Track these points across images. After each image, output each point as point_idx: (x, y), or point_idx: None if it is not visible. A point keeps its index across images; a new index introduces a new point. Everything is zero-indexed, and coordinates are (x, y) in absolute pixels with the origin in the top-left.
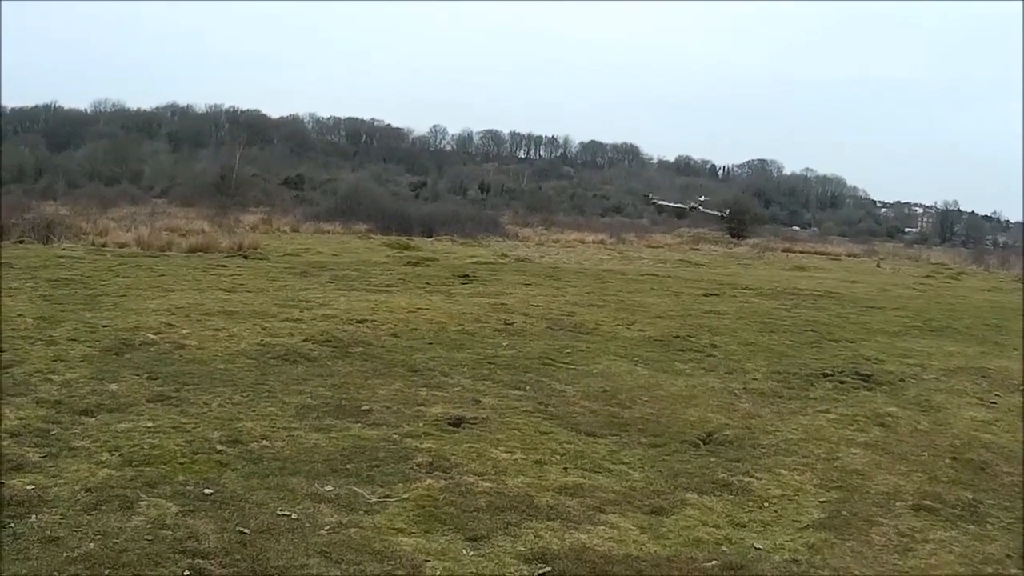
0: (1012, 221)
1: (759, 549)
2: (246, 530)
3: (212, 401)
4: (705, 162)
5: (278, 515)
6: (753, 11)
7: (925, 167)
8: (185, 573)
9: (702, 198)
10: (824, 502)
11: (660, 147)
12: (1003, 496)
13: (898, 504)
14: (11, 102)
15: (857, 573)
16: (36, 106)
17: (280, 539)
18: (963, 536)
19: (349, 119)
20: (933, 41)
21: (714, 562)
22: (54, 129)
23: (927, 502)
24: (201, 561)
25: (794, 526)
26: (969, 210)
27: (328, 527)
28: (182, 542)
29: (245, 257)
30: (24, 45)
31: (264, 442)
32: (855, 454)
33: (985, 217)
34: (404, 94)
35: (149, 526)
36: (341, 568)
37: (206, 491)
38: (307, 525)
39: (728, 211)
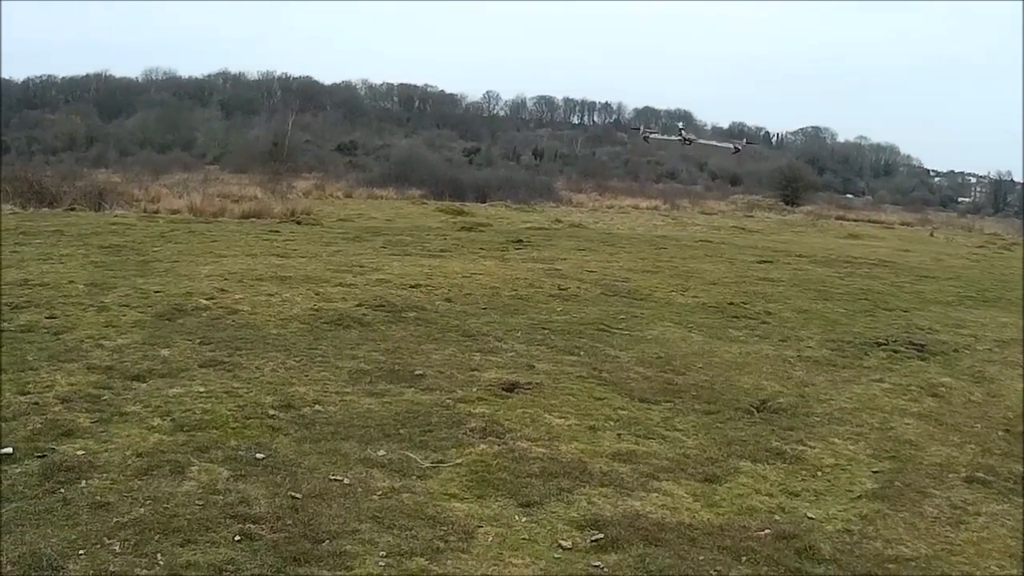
0: None
1: (811, 519)
2: (298, 495)
3: (264, 366)
4: (759, 129)
5: (330, 480)
6: None
7: (979, 136)
8: (236, 538)
9: (743, 143)
10: (877, 472)
11: (714, 114)
12: None
13: (951, 476)
14: (62, 71)
15: (909, 544)
16: (87, 75)
17: (332, 504)
18: (1015, 510)
19: (402, 85)
20: (986, 12)
21: (767, 531)
22: (105, 98)
23: (980, 474)
24: (252, 526)
25: (847, 496)
26: (1022, 181)
27: (380, 492)
28: (233, 507)
29: (298, 223)
30: (74, 15)
31: (316, 407)
32: (908, 424)
33: None
34: (458, 59)
35: (200, 491)
36: (393, 533)
37: (258, 456)
38: (359, 490)
39: (741, 144)
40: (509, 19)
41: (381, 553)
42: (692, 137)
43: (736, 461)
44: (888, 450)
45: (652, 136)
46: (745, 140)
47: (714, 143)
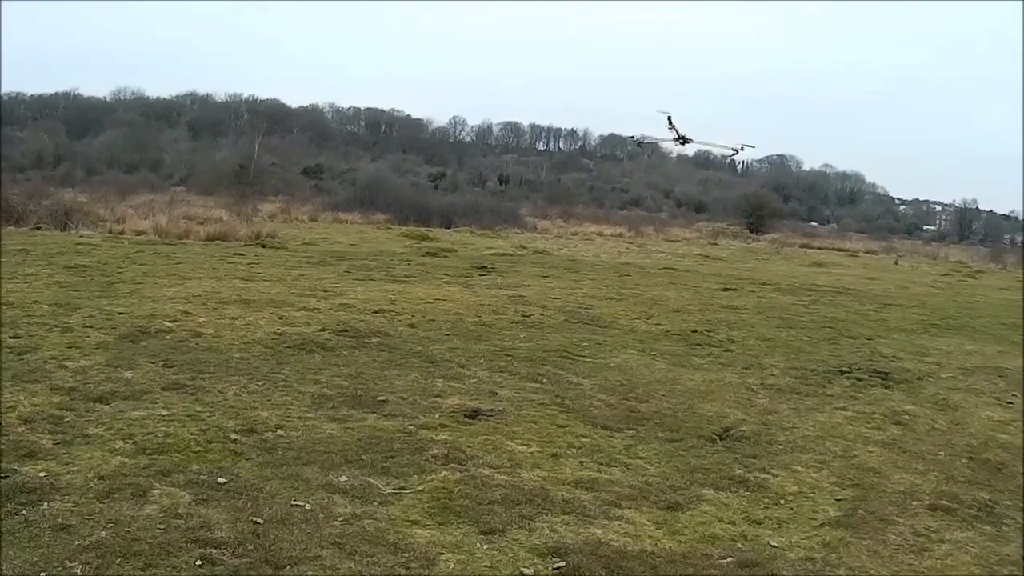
0: None
1: (775, 547)
2: (259, 520)
3: (228, 390)
4: (725, 156)
5: (292, 505)
6: (772, 3)
7: (944, 165)
8: (197, 563)
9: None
10: (840, 500)
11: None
12: (1020, 497)
13: (914, 503)
14: (31, 89)
15: (873, 572)
16: (55, 93)
17: (293, 529)
18: (979, 537)
19: (369, 109)
20: (952, 38)
21: (729, 559)
22: (74, 116)
23: (944, 502)
24: (213, 551)
25: (810, 524)
26: (988, 209)
27: (342, 518)
28: (195, 531)
29: (263, 246)
30: (43, 32)
31: (279, 432)
32: (871, 452)
33: (1003, 216)
34: (425, 85)
35: (162, 515)
36: (355, 560)
37: (220, 480)
38: (321, 516)
39: (739, 148)
40: (477, 44)
41: None
42: (689, 138)
43: (699, 489)
44: (851, 478)
45: (647, 140)
46: (743, 145)
47: (710, 144)
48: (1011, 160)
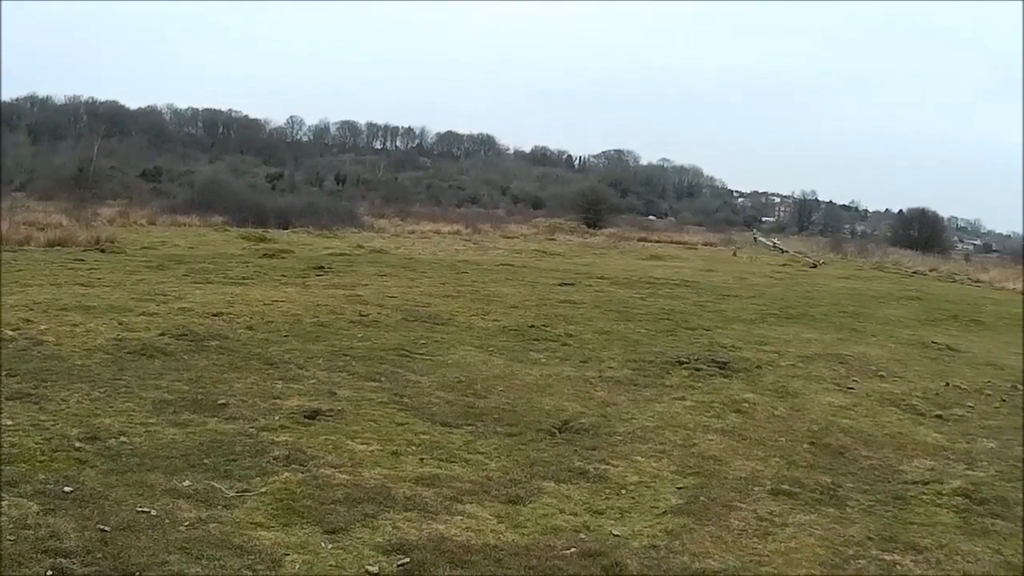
0: (870, 210)
1: (617, 536)
2: (106, 528)
3: (70, 398)
4: (562, 152)
5: (138, 512)
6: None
7: (782, 159)
8: (48, 573)
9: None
10: (681, 488)
11: (516, 138)
12: (862, 480)
13: (756, 489)
14: None
15: (717, 557)
16: None
17: (140, 536)
18: (823, 519)
19: (207, 110)
20: (790, 38)
21: (572, 549)
22: None
23: (786, 487)
24: (63, 560)
25: (652, 512)
26: (827, 200)
27: (187, 523)
28: (44, 541)
29: (102, 251)
30: None
31: (122, 438)
32: (712, 440)
33: (843, 206)
34: (262, 84)
35: (11, 526)
36: (202, 564)
37: (66, 489)
38: (167, 521)
39: (817, 261)
40: (314, 43)
41: None
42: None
43: (539, 482)
44: (692, 466)
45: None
46: (820, 261)
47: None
48: (853, 153)
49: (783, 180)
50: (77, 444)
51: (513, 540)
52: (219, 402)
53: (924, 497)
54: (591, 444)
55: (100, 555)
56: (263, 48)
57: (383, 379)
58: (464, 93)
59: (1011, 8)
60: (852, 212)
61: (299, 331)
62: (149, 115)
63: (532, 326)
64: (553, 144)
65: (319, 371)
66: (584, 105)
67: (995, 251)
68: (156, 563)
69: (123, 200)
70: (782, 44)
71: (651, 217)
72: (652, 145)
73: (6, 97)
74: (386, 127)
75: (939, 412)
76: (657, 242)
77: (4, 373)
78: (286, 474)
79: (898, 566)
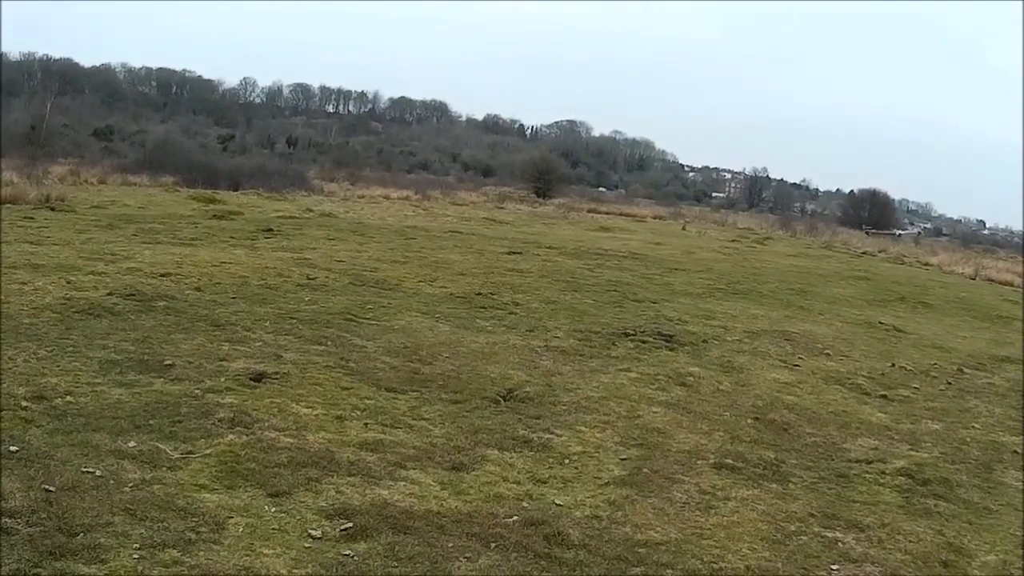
0: (821, 189)
1: (560, 505)
2: (51, 488)
3: (17, 356)
4: (514, 121)
5: (83, 472)
6: None
7: (733, 134)
8: None
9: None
10: (625, 459)
11: (469, 105)
12: (805, 456)
13: (699, 462)
14: None
15: (659, 529)
16: None
17: (85, 497)
18: (766, 495)
19: (161, 69)
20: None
21: (515, 518)
22: None
23: (729, 461)
24: (8, 520)
25: (595, 483)
26: (778, 177)
27: (132, 484)
28: None
29: (52, 209)
30: None
31: (68, 398)
32: (656, 413)
33: (794, 184)
34: (216, 43)
35: None
36: (145, 525)
37: (12, 448)
38: (111, 482)
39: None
40: (270, 5)
41: (135, 545)
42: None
43: (483, 450)
44: (636, 438)
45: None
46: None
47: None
48: (805, 130)
49: (735, 156)
50: (24, 403)
51: (456, 507)
52: (165, 363)
53: (867, 476)
54: (535, 413)
55: (44, 515)
56: (219, 7)
57: (329, 343)
58: (419, 54)
59: None
60: (803, 191)
61: (246, 293)
62: (103, 73)
63: (479, 294)
64: (506, 113)
65: (265, 334)
66: (536, 73)
67: (944, 235)
68: (100, 524)
69: (74, 159)
70: (731, 15)
71: (601, 189)
72: (605, 117)
73: None
74: (339, 91)
75: (884, 392)
76: (607, 214)
77: None
78: (231, 436)
79: (840, 543)
